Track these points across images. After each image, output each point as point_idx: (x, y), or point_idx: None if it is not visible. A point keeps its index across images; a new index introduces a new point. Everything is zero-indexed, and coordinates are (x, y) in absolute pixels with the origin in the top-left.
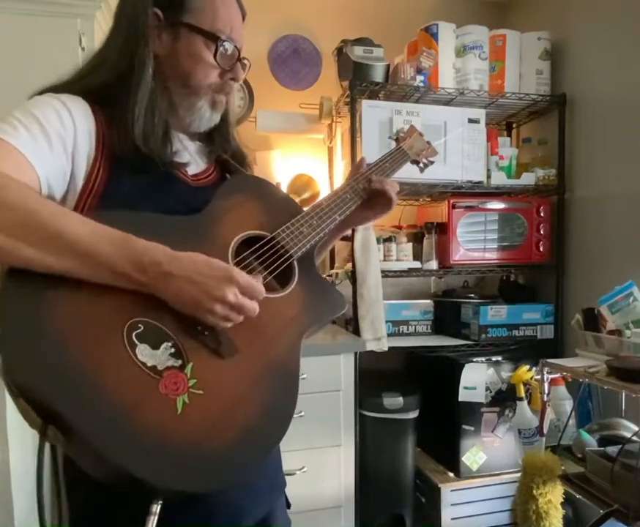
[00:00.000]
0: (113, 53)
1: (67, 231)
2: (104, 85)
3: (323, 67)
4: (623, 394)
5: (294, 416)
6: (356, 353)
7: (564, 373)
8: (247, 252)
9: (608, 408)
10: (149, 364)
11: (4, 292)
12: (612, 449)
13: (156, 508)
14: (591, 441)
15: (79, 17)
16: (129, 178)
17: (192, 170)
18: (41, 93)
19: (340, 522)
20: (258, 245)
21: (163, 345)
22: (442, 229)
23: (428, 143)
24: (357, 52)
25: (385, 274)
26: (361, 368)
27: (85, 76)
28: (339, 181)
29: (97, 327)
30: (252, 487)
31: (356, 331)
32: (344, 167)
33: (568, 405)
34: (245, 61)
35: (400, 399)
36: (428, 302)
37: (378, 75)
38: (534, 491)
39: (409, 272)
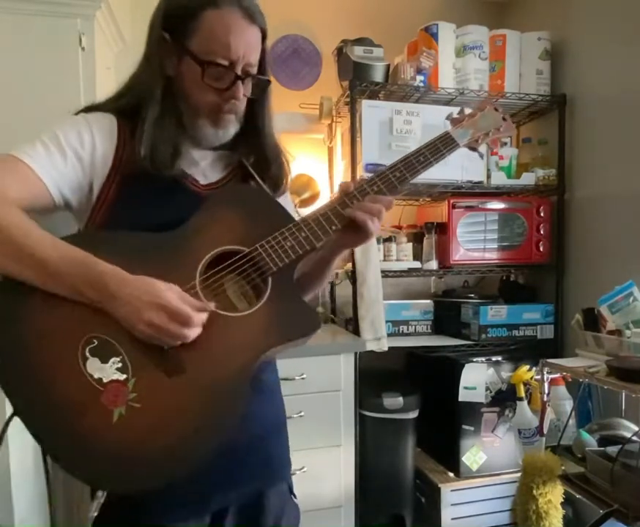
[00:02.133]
0: (137, 76)
1: (35, 249)
2: (129, 106)
3: (323, 67)
4: (623, 394)
5: (296, 416)
6: (356, 353)
7: (564, 373)
8: (218, 268)
9: (608, 408)
10: (95, 376)
11: None
12: (612, 449)
13: (101, 494)
14: (591, 441)
15: (79, 17)
16: (138, 191)
17: (205, 180)
18: (78, 112)
19: (340, 523)
20: (230, 261)
21: (112, 360)
22: (442, 229)
23: (505, 118)
24: (357, 52)
25: (385, 274)
26: (361, 368)
27: (118, 98)
28: (339, 181)
29: (59, 338)
30: (221, 475)
31: (356, 331)
32: (344, 167)
33: (568, 405)
34: (256, 78)
35: (400, 399)
36: (428, 302)
37: (378, 75)
38: (534, 491)
39: (409, 272)
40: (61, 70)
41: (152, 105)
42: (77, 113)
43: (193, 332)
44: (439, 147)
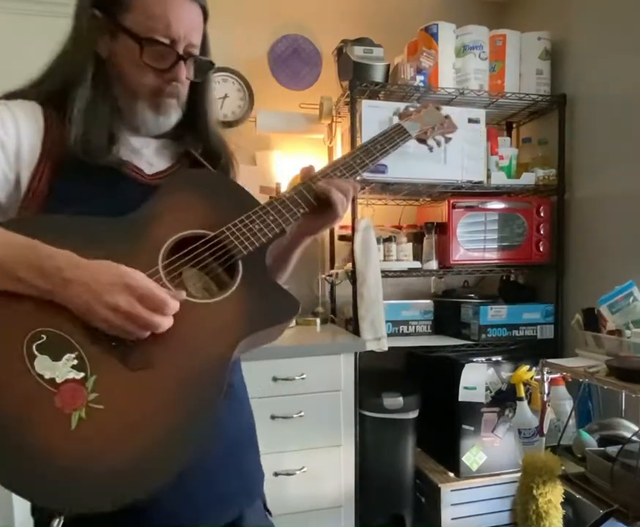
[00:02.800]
0: (60, 58)
1: None
2: (54, 90)
3: (323, 67)
4: (623, 394)
5: (296, 416)
6: (356, 353)
7: (564, 373)
8: (181, 254)
9: (608, 408)
10: (46, 376)
11: None
12: (612, 449)
13: (57, 523)
14: (591, 441)
15: None
16: (72, 181)
17: (150, 169)
18: None
19: (340, 523)
20: (195, 245)
21: (65, 357)
22: (442, 229)
23: (447, 117)
24: (357, 52)
25: (385, 274)
26: (361, 368)
27: (39, 83)
28: None
29: None
30: (201, 497)
31: (356, 331)
32: None
33: (568, 405)
34: (198, 60)
35: (400, 399)
36: (428, 302)
37: (378, 75)
38: (534, 491)
39: (409, 272)
40: None
41: (82, 88)
42: None
43: (166, 322)
44: (394, 137)
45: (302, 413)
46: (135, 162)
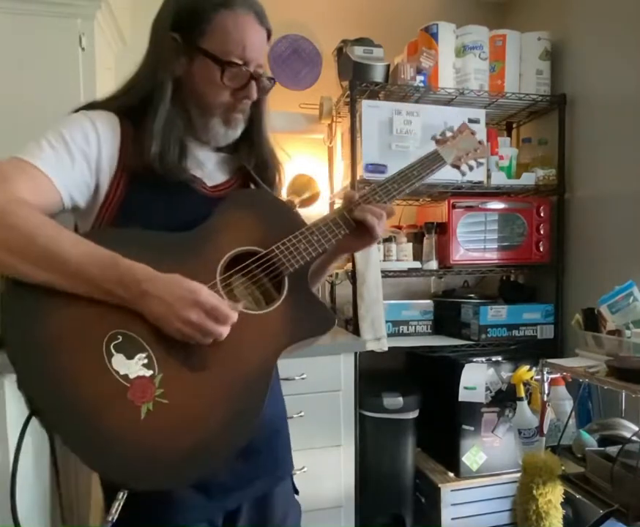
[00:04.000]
0: (140, 77)
1: (60, 252)
2: (132, 106)
3: (323, 67)
4: (623, 394)
5: (296, 416)
6: (356, 353)
7: (564, 373)
8: (237, 269)
9: (608, 408)
10: (121, 372)
11: (8, 301)
12: (612, 449)
13: (122, 495)
14: (591, 441)
15: (79, 17)
16: (146, 190)
17: (211, 182)
18: (78, 109)
19: (340, 522)
20: (248, 261)
21: (137, 356)
22: (442, 229)
23: (481, 142)
24: (357, 52)
25: (385, 274)
26: (361, 368)
27: (118, 96)
28: (339, 181)
29: (82, 336)
30: (236, 471)
31: (356, 331)
32: (344, 168)
33: (568, 405)
34: (266, 77)
35: (400, 399)
36: (428, 302)
37: (378, 75)
38: (534, 491)
39: (409, 272)
40: (61, 70)
41: (162, 106)
42: (76, 111)
43: (227, 331)
44: (430, 164)
45: (302, 413)
46: (199, 174)
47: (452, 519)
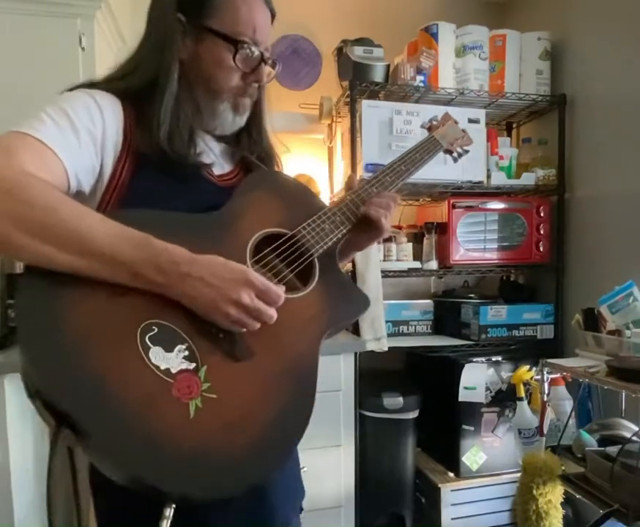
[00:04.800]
0: (142, 59)
1: (86, 231)
2: (134, 88)
3: (323, 67)
4: (623, 394)
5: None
6: (356, 353)
7: (564, 373)
8: (267, 251)
9: (608, 408)
10: (162, 367)
11: (22, 291)
12: (612, 449)
13: (169, 512)
14: (591, 441)
15: (79, 17)
16: (154, 175)
17: (217, 170)
18: (73, 88)
19: (340, 522)
20: (277, 243)
21: (177, 348)
22: (442, 229)
23: (464, 131)
24: (357, 52)
25: (385, 274)
26: (361, 368)
27: (117, 79)
28: (339, 181)
29: (112, 329)
30: (268, 496)
31: (356, 331)
32: (344, 168)
33: (568, 405)
34: (273, 61)
35: (400, 399)
36: (428, 302)
37: (378, 75)
38: (534, 491)
39: (409, 272)
40: (61, 70)
41: (169, 89)
42: (73, 89)
43: (275, 313)
44: (429, 147)
45: None
46: (208, 160)
47: (452, 519)
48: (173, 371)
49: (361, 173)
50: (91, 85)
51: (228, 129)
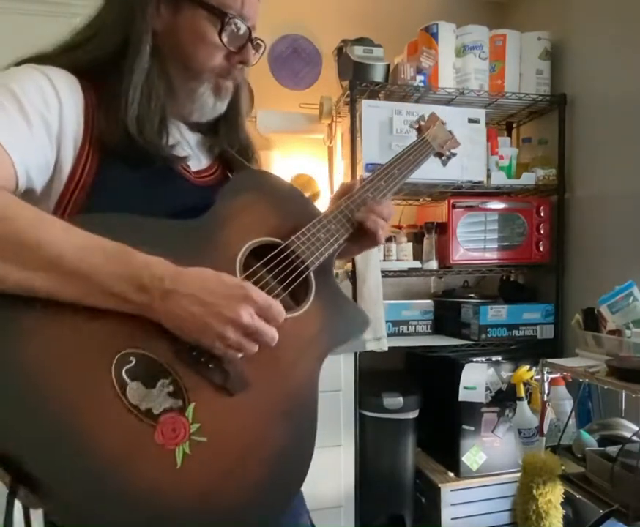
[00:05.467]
0: (106, 25)
1: (49, 244)
2: (95, 61)
3: (323, 67)
4: (623, 394)
5: None
6: (356, 353)
7: (564, 373)
8: (258, 265)
9: (608, 408)
10: (142, 408)
11: None
12: (612, 449)
13: None
14: (591, 441)
15: (79, 17)
16: (122, 171)
17: (194, 165)
18: (19, 63)
19: (340, 522)
20: (269, 256)
21: (160, 383)
22: (442, 229)
23: (451, 132)
24: (357, 52)
25: (385, 274)
26: (361, 368)
27: (73, 48)
28: (339, 181)
29: (80, 362)
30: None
31: None
32: (344, 168)
33: (568, 405)
34: (259, 42)
35: (400, 399)
36: (428, 302)
37: (378, 75)
38: (534, 491)
39: (409, 272)
40: None
41: (139, 63)
42: (19, 64)
43: (277, 334)
44: (422, 150)
45: None
46: (182, 153)
47: (452, 519)
48: (156, 412)
49: (361, 173)
50: (41, 58)
51: (207, 115)
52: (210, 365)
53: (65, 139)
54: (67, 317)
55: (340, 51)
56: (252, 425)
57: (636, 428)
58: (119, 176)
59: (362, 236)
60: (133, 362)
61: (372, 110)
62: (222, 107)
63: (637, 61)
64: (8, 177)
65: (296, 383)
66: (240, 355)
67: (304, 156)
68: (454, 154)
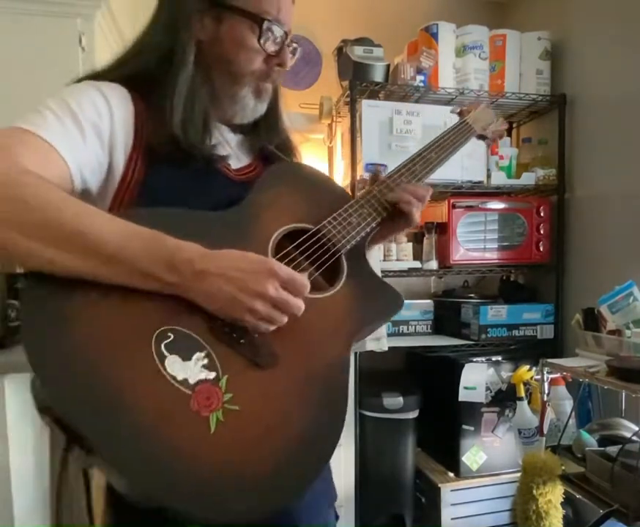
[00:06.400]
0: (153, 38)
1: (91, 230)
2: (143, 71)
3: (323, 67)
4: (623, 394)
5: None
6: (356, 353)
7: (564, 373)
8: (290, 248)
9: (608, 408)
10: (179, 378)
11: (26, 301)
12: (612, 449)
13: None
14: (591, 441)
15: (79, 17)
16: (168, 171)
17: (234, 164)
18: (78, 81)
19: (340, 522)
20: (301, 239)
21: (195, 356)
22: (442, 229)
23: (496, 115)
24: (357, 52)
25: (385, 274)
26: (361, 368)
27: (124, 63)
28: (339, 180)
29: (125, 337)
30: (309, 505)
31: None
32: (344, 168)
33: (568, 405)
34: (294, 45)
35: (400, 399)
36: (428, 302)
37: (378, 75)
38: (534, 491)
39: (409, 272)
40: (61, 70)
41: (184, 70)
42: (79, 81)
43: (303, 305)
44: (463, 132)
45: None
46: (223, 152)
47: (452, 519)
48: (192, 382)
49: (361, 173)
50: (96, 76)
51: (248, 116)
52: (242, 340)
53: (116, 144)
54: (114, 298)
55: (340, 51)
56: (281, 397)
57: (636, 428)
58: (165, 176)
59: (397, 217)
60: (171, 338)
61: (372, 110)
62: (262, 108)
63: (637, 61)
64: (64, 176)
65: (324, 358)
66: (272, 327)
67: (304, 156)
68: (501, 136)
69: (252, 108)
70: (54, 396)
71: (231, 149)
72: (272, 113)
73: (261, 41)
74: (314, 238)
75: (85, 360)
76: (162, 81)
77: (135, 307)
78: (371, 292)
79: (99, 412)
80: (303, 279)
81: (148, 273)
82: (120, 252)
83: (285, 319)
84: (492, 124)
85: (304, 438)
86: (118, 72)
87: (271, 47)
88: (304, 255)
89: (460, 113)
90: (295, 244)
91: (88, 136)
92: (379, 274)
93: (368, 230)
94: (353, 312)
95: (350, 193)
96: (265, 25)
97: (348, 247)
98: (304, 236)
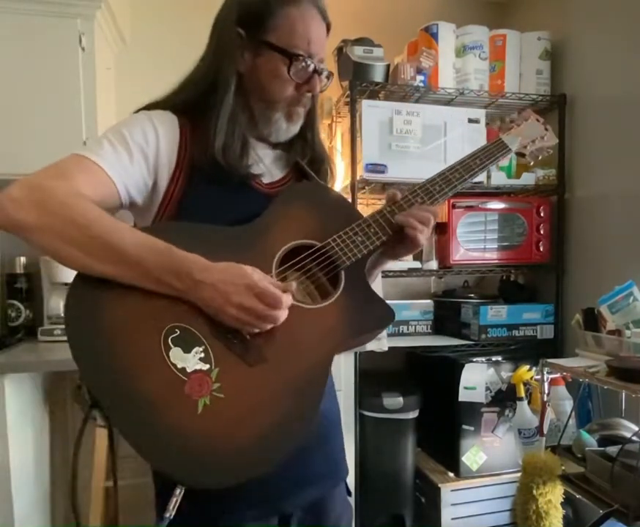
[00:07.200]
0: (201, 70)
1: (118, 242)
2: (193, 99)
3: None
4: (623, 394)
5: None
6: (356, 353)
7: (564, 373)
8: (293, 262)
9: (608, 408)
10: (179, 366)
11: (71, 293)
12: (612, 449)
13: (179, 491)
14: (591, 441)
15: (79, 17)
16: (206, 188)
17: (267, 179)
18: (138, 110)
19: None
20: (304, 254)
21: (194, 350)
22: (442, 229)
23: (547, 129)
24: (357, 52)
25: (385, 274)
26: (361, 368)
27: (178, 92)
28: (339, 181)
29: (141, 329)
30: (291, 477)
31: None
32: (344, 168)
33: (568, 405)
34: (325, 73)
35: (400, 399)
36: (428, 302)
37: (378, 75)
38: (534, 491)
39: (409, 272)
40: (61, 70)
41: (227, 100)
42: (137, 111)
43: (282, 314)
44: (494, 151)
45: None
46: (258, 171)
47: (452, 519)
48: (189, 370)
49: (361, 173)
50: (151, 105)
51: (282, 136)
52: (235, 341)
53: (161, 165)
54: (136, 296)
55: (340, 51)
56: (259, 392)
57: (636, 428)
58: (202, 192)
59: (403, 239)
60: (178, 333)
61: (372, 110)
62: (295, 129)
63: (637, 61)
64: (112, 194)
65: (306, 365)
66: (255, 331)
67: None
68: (548, 152)
69: (285, 130)
70: (84, 369)
71: (264, 167)
72: (308, 131)
73: (291, 72)
74: (317, 254)
75: (108, 343)
76: (207, 107)
77: (152, 304)
78: (362, 306)
79: (113, 385)
80: (276, 293)
81: (159, 279)
82: (138, 260)
83: (267, 326)
84: (537, 139)
85: (273, 426)
86: (172, 100)
87: (300, 77)
88: (305, 269)
89: (500, 129)
90: (297, 259)
91: (135, 159)
92: (379, 292)
93: (372, 248)
94: (340, 323)
95: (350, 193)
96: (294, 58)
97: (348, 263)
98: (309, 252)
